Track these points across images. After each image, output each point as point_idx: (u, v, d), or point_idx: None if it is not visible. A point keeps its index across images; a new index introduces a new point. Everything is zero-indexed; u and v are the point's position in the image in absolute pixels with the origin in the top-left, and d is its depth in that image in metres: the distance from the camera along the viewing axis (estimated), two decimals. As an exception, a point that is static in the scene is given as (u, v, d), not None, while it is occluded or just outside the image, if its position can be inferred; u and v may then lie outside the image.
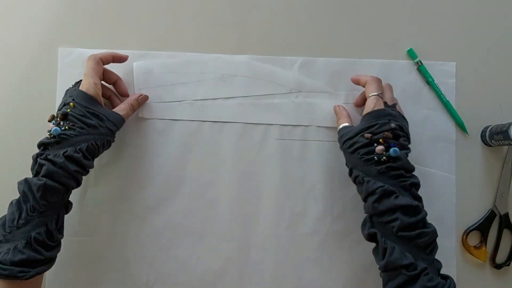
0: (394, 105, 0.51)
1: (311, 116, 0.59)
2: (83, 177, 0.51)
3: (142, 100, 0.58)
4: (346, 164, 0.51)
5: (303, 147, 0.59)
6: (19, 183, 0.47)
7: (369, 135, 0.48)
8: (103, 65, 0.55)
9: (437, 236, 0.46)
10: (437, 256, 0.57)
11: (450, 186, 0.58)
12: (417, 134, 0.58)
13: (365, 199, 0.48)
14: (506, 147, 0.59)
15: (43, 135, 0.49)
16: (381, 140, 0.47)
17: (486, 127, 0.58)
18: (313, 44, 0.60)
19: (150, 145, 0.59)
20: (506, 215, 0.58)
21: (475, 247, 0.58)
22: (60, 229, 0.49)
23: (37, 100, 0.60)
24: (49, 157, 0.47)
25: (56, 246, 0.48)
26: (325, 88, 0.59)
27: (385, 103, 0.51)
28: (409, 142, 0.50)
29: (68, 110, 0.50)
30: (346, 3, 0.61)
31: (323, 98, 0.59)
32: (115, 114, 0.53)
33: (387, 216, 0.45)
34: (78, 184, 0.50)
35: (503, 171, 0.58)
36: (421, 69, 0.59)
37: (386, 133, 0.47)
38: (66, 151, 0.48)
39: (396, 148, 0.47)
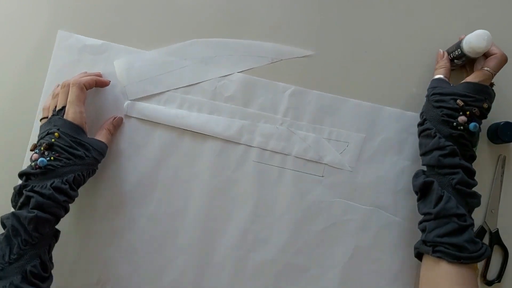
0: (492, 85, 0.53)
1: (292, 146, 0.59)
2: None
3: (117, 123, 0.58)
4: (422, 112, 0.53)
5: (279, 174, 0.59)
6: (5, 218, 0.46)
7: (462, 103, 0.49)
8: (87, 90, 0.54)
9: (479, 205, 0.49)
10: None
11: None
12: (392, 184, 0.58)
13: (428, 152, 0.51)
14: (494, 168, 0.59)
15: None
16: (468, 112, 0.49)
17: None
18: (306, 76, 0.60)
19: (129, 143, 0.59)
20: (497, 232, 0.58)
21: None
22: (50, 258, 0.49)
23: (26, 79, 0.60)
24: (36, 189, 0.46)
25: (49, 276, 0.48)
26: (311, 121, 0.59)
27: (491, 84, 0.52)
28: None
29: (53, 140, 0.49)
30: (351, 43, 0.61)
31: (307, 130, 0.59)
32: (99, 143, 0.53)
33: (448, 169, 0.48)
34: (66, 211, 0.50)
35: (493, 188, 0.59)
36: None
37: (476, 109, 0.49)
38: (53, 182, 0.47)
39: (476, 124, 0.49)
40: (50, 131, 0.50)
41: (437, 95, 0.52)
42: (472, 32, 0.53)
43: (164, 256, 0.57)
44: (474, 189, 0.49)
